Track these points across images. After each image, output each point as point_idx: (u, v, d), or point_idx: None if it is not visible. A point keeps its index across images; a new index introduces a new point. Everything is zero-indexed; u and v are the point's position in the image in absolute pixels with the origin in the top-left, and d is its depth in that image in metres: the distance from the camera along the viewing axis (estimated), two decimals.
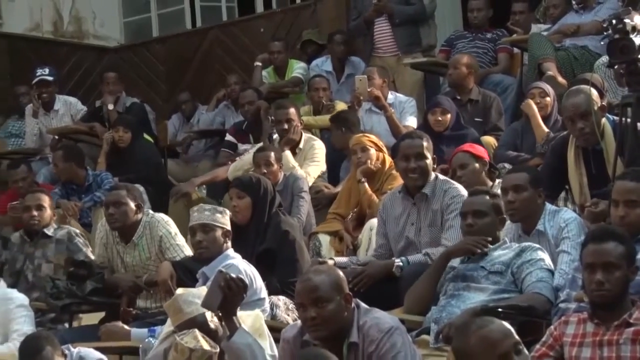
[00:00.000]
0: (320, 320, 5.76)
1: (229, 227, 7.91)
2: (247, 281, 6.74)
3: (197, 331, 6.11)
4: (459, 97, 10.81)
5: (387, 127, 10.75)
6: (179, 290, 6.91)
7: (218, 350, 6.07)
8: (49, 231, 9.47)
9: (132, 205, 8.66)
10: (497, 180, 8.54)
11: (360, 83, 10.88)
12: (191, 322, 6.40)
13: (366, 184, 9.33)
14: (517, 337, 4.94)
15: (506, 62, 12.09)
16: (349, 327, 5.82)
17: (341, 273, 6.06)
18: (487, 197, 7.23)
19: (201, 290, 6.65)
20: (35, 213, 9.45)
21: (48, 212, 9.62)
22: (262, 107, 11.89)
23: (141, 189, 11.21)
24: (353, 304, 5.92)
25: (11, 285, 9.17)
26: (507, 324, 4.98)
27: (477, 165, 8.70)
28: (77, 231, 9.61)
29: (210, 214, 7.93)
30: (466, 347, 4.94)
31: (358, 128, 10.62)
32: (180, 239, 8.74)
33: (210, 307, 6.35)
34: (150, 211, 9.15)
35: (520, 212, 7.37)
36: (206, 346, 5.98)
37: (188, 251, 8.61)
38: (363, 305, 6.00)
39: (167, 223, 8.83)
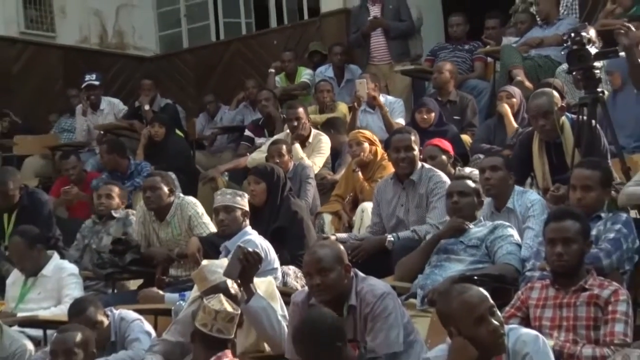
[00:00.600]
0: (324, 286, 5.77)
1: (247, 208, 7.92)
2: (262, 254, 6.75)
3: (222, 296, 6.10)
4: (440, 99, 10.79)
5: (379, 124, 10.77)
6: (205, 262, 6.92)
7: (239, 312, 6.06)
8: (116, 214, 9.48)
9: (166, 189, 8.66)
10: (458, 168, 8.63)
11: (361, 85, 10.89)
12: (215, 288, 6.40)
13: (360, 173, 9.33)
14: (491, 301, 4.94)
15: (481, 69, 12.08)
16: (349, 292, 5.81)
17: (342, 247, 6.06)
18: (470, 182, 7.28)
19: (223, 262, 6.65)
20: (103, 201, 9.46)
21: (116, 200, 9.64)
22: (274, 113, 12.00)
23: (173, 176, 11.23)
24: (352, 273, 5.92)
25: (77, 259, 9.18)
26: (483, 290, 4.98)
27: (444, 157, 8.79)
28: (134, 212, 9.58)
29: (232, 197, 7.94)
30: (449, 310, 4.93)
31: (344, 130, 10.70)
32: (207, 218, 8.73)
33: (231, 276, 6.37)
34: (181, 195, 9.15)
35: (495, 188, 7.42)
36: (229, 309, 5.97)
37: (213, 228, 8.57)
38: (360, 273, 6.00)
39: (195, 205, 8.82)
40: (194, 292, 6.86)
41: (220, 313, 5.92)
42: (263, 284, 6.54)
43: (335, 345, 5.21)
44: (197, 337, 5.98)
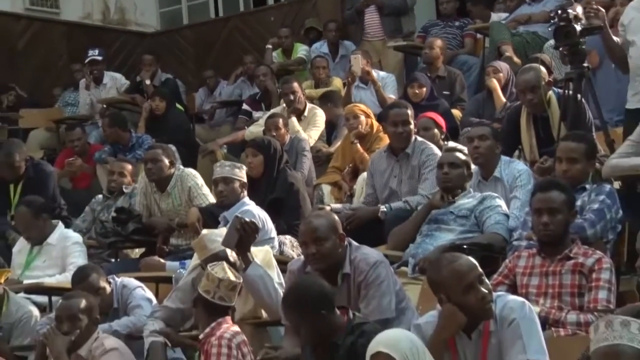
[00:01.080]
0: (319, 255, 5.78)
1: (245, 180, 7.93)
2: (259, 224, 6.76)
3: (225, 264, 6.11)
4: (429, 74, 10.78)
5: (372, 99, 10.77)
6: (204, 231, 6.93)
7: (241, 281, 6.08)
8: (126, 189, 9.46)
9: (167, 161, 8.67)
10: (446, 143, 8.59)
11: (355, 61, 10.91)
12: (214, 256, 6.42)
13: (358, 145, 9.34)
14: (480, 269, 4.96)
15: (471, 45, 12.07)
16: (343, 261, 5.83)
17: (336, 217, 6.07)
18: (460, 154, 7.28)
19: (222, 231, 6.66)
20: (116, 178, 9.43)
21: (128, 178, 9.60)
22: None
23: (173, 148, 11.24)
24: (346, 242, 5.93)
25: (84, 229, 9.18)
26: (472, 259, 5.00)
27: (436, 130, 8.77)
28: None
29: (230, 169, 7.96)
30: (439, 278, 4.94)
31: (340, 104, 10.68)
32: (206, 189, 8.73)
33: (229, 245, 6.38)
34: (181, 166, 9.15)
35: (483, 157, 7.44)
36: (232, 277, 5.99)
37: (212, 199, 8.56)
38: (354, 242, 6.01)
39: (194, 176, 8.82)
40: (194, 261, 6.88)
41: (224, 281, 5.94)
42: (260, 253, 6.56)
43: (320, 312, 5.20)
44: (199, 302, 6.00)
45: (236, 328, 5.96)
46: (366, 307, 5.69)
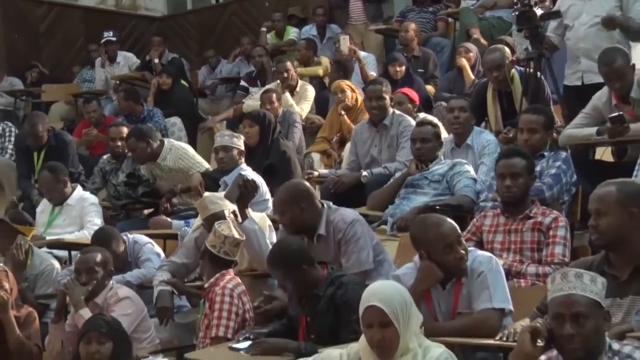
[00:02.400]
0: (283, 224, 5.98)
1: (242, 148, 7.93)
2: (259, 185, 6.78)
3: (230, 222, 6.11)
4: (405, 54, 10.74)
5: (356, 77, 10.70)
6: (206, 194, 6.94)
7: (244, 238, 6.08)
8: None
9: (143, 145, 8.55)
10: (418, 114, 8.59)
11: (343, 41, 10.86)
12: (213, 216, 6.42)
13: (345, 116, 9.33)
14: (460, 232, 4.97)
15: (443, 28, 12.02)
16: (317, 223, 5.83)
17: (301, 187, 6.01)
18: (431, 127, 7.28)
19: (221, 194, 6.67)
20: (119, 143, 9.31)
21: None
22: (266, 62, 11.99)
23: (178, 120, 11.23)
24: (325, 205, 5.94)
25: (95, 190, 9.16)
26: (454, 223, 5.00)
27: (409, 105, 8.72)
28: None
29: (229, 138, 7.97)
30: (424, 237, 4.96)
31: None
32: (198, 157, 8.73)
33: (230, 199, 6.41)
34: (172, 140, 9.13)
35: (462, 126, 7.48)
36: (236, 235, 5.98)
37: (205, 164, 8.62)
38: (332, 205, 6.02)
39: (183, 148, 8.80)
40: (198, 221, 6.88)
41: (229, 238, 5.93)
42: (257, 217, 6.55)
43: (302, 267, 5.22)
44: (206, 256, 5.99)
45: (237, 279, 5.96)
46: (347, 261, 5.70)
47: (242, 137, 8.10)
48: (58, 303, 6.28)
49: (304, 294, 5.26)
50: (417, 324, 4.36)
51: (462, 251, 4.90)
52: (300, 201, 5.84)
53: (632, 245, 4.47)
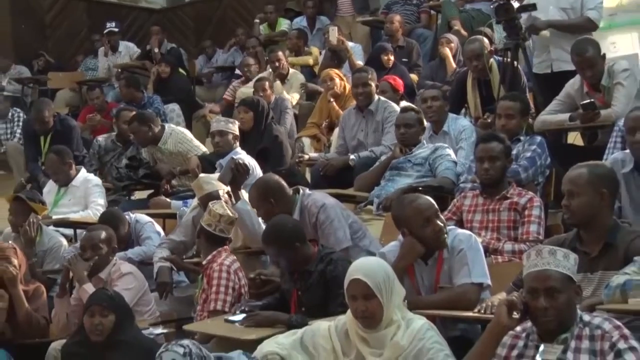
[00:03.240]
0: (261, 216, 6.00)
1: (237, 133, 7.92)
2: (250, 168, 6.77)
3: (223, 202, 6.12)
4: (390, 44, 10.74)
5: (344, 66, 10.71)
6: (201, 175, 6.94)
7: (237, 217, 6.09)
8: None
9: (144, 129, 8.54)
10: (402, 103, 8.50)
11: (332, 32, 10.84)
12: (208, 195, 6.44)
13: (334, 103, 9.31)
14: (436, 206, 4.98)
15: (426, 20, 12.01)
16: (291, 210, 5.86)
17: (270, 185, 5.99)
18: (414, 113, 7.28)
19: (215, 175, 6.69)
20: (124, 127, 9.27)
21: None
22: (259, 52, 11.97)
23: (176, 107, 11.21)
24: (300, 191, 5.98)
25: (95, 171, 9.14)
26: (430, 199, 5.01)
27: (393, 93, 8.69)
28: None
29: (225, 123, 7.97)
30: (403, 214, 4.96)
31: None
32: (196, 141, 8.73)
33: (224, 181, 6.43)
34: (172, 125, 9.11)
35: (436, 114, 7.44)
36: (230, 214, 6.00)
37: (203, 148, 8.64)
38: (307, 191, 6.08)
39: (182, 132, 8.80)
40: (195, 201, 6.88)
41: (223, 217, 5.94)
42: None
43: (295, 244, 5.23)
44: (202, 234, 6.00)
45: (233, 257, 5.97)
46: (326, 243, 5.68)
47: (237, 123, 8.10)
48: (62, 278, 6.29)
49: (296, 269, 5.27)
50: (400, 298, 4.37)
51: (440, 224, 4.90)
52: (270, 196, 5.88)
53: (602, 223, 4.50)
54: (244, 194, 6.40)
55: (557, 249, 3.89)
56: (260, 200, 5.90)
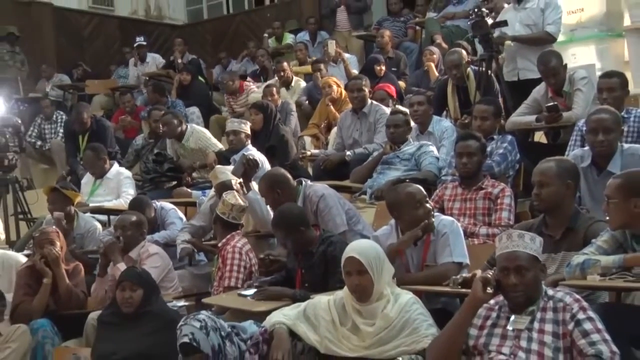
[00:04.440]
0: (269, 205, 5.95)
1: (249, 132, 7.91)
2: (259, 163, 6.76)
3: (236, 193, 6.11)
4: (382, 56, 10.72)
5: (341, 74, 10.65)
6: (217, 166, 6.93)
7: (248, 205, 6.08)
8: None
9: (176, 122, 8.64)
10: (395, 105, 8.50)
11: (331, 45, 10.86)
12: (222, 184, 6.43)
13: (332, 107, 9.29)
14: (425, 193, 4.99)
15: (412, 35, 11.98)
16: (296, 200, 5.85)
17: (275, 178, 5.95)
18: (402, 115, 7.27)
19: (229, 167, 6.68)
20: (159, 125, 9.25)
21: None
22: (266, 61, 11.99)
23: (196, 110, 11.18)
24: (303, 183, 5.97)
25: (129, 166, 9.12)
26: (420, 187, 5.03)
27: (389, 99, 8.68)
28: None
29: (238, 124, 7.96)
30: (397, 199, 4.96)
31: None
32: (214, 139, 8.79)
33: (236, 174, 6.41)
34: (194, 125, 9.14)
35: (421, 117, 7.41)
36: (242, 203, 6.00)
37: (220, 145, 8.67)
38: (308, 182, 6.08)
39: (202, 131, 8.87)
40: (212, 191, 6.87)
41: (235, 206, 5.94)
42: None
43: (300, 228, 5.22)
44: (218, 221, 6.01)
45: (245, 240, 5.96)
46: (326, 227, 5.67)
47: (249, 123, 8.08)
48: (101, 260, 6.28)
49: (300, 250, 5.27)
50: (389, 275, 4.37)
51: (429, 207, 4.92)
52: (276, 187, 5.86)
53: (565, 210, 4.51)
54: (254, 185, 6.39)
55: (525, 233, 3.89)
56: (268, 191, 5.88)
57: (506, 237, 3.87)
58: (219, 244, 5.93)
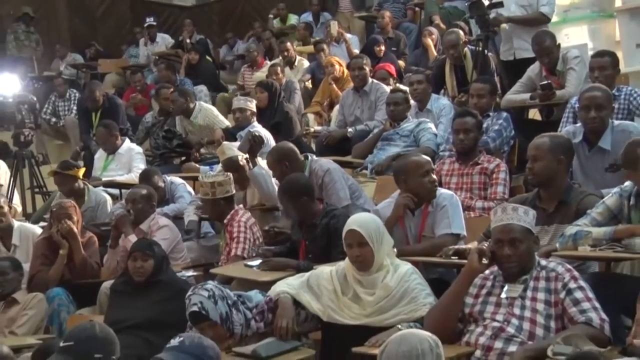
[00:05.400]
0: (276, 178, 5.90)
1: (254, 109, 7.90)
2: (264, 140, 6.74)
3: (206, 170, 5.98)
4: (382, 37, 10.65)
5: (343, 54, 10.61)
6: (224, 143, 6.91)
7: (229, 176, 5.88)
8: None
9: (183, 100, 8.61)
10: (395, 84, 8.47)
11: (333, 26, 10.80)
12: (230, 159, 6.41)
13: (334, 85, 9.26)
14: (432, 164, 5.01)
15: (412, 16, 11.90)
16: (302, 171, 5.82)
17: (287, 149, 5.94)
18: (401, 93, 7.24)
19: (235, 144, 6.65)
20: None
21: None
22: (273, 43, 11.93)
23: (204, 88, 11.15)
24: (309, 157, 5.95)
25: (140, 141, 9.11)
26: (428, 158, 5.04)
27: (390, 79, 8.64)
28: None
29: (244, 101, 7.95)
30: (405, 167, 4.95)
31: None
32: (221, 116, 8.77)
33: (242, 150, 6.38)
34: (202, 103, 9.09)
35: (420, 95, 7.38)
36: (219, 178, 5.79)
37: (226, 122, 8.65)
38: (313, 157, 6.06)
39: (210, 109, 8.85)
40: (219, 166, 6.84)
41: (214, 183, 5.76)
42: (264, 163, 6.53)
43: (303, 198, 5.21)
44: (214, 203, 5.83)
45: (249, 214, 5.94)
46: (329, 201, 5.66)
47: (254, 101, 8.06)
48: (113, 232, 6.29)
49: (304, 221, 5.27)
50: (389, 247, 4.37)
51: (434, 177, 4.92)
52: (284, 160, 5.84)
53: (558, 184, 4.50)
54: (260, 161, 6.38)
55: (519, 206, 3.89)
56: (276, 164, 5.85)
57: (501, 210, 3.87)
58: (225, 221, 5.87)
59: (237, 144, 6.67)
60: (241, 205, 5.97)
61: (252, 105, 7.90)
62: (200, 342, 3.10)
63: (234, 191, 5.96)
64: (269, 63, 10.90)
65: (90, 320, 3.38)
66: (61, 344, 3.17)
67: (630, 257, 4.03)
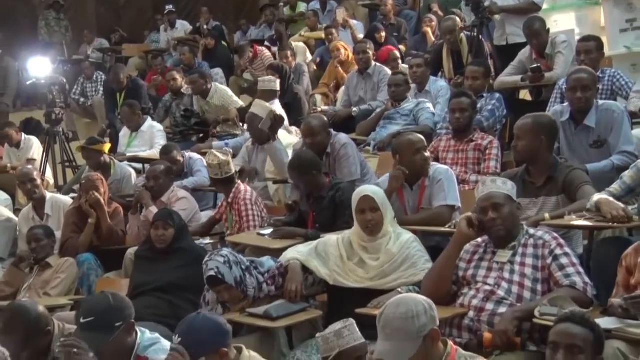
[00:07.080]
0: (310, 145, 5.78)
1: (277, 88, 7.93)
2: (284, 119, 6.78)
3: (213, 152, 5.89)
4: (384, 23, 10.60)
5: (348, 39, 10.56)
6: (257, 100, 7.02)
7: (229, 156, 5.87)
8: (186, 91, 9.16)
9: (202, 82, 8.61)
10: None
11: (339, 13, 10.77)
12: (255, 115, 6.46)
13: (340, 68, 9.23)
14: (425, 142, 4.98)
15: (412, 3, 11.85)
16: (327, 145, 5.81)
17: (325, 119, 5.97)
18: (402, 76, 7.23)
19: (268, 105, 6.72)
20: (171, 82, 9.28)
21: (179, 80, 9.29)
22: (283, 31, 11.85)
23: (220, 71, 11.12)
24: (333, 133, 5.91)
25: (161, 119, 9.10)
26: (421, 136, 5.02)
27: (399, 60, 8.62)
28: None
29: (268, 82, 7.94)
30: (399, 144, 4.95)
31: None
32: (235, 97, 8.78)
33: (264, 127, 6.36)
34: (218, 84, 9.09)
35: (419, 77, 7.38)
36: (222, 157, 5.75)
37: (240, 102, 8.64)
38: (333, 132, 6.01)
39: (225, 90, 8.87)
40: (247, 142, 6.84)
41: (221, 163, 5.75)
42: (283, 137, 6.55)
43: (312, 172, 5.23)
44: (219, 182, 5.84)
45: (249, 189, 5.87)
46: (341, 173, 5.71)
47: (278, 81, 8.03)
48: (134, 201, 6.34)
49: (312, 194, 5.28)
50: (392, 215, 4.40)
51: (427, 154, 4.91)
52: (327, 127, 5.86)
53: (543, 161, 4.50)
54: (280, 135, 6.39)
55: (497, 178, 3.97)
56: (323, 129, 5.77)
57: (481, 184, 3.94)
58: (229, 200, 5.85)
59: (269, 105, 6.70)
60: (238, 181, 5.87)
61: (276, 84, 7.93)
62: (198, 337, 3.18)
63: (234, 171, 5.89)
64: (263, 50, 10.76)
65: (102, 292, 3.42)
66: (82, 320, 3.18)
67: (610, 226, 4.03)
